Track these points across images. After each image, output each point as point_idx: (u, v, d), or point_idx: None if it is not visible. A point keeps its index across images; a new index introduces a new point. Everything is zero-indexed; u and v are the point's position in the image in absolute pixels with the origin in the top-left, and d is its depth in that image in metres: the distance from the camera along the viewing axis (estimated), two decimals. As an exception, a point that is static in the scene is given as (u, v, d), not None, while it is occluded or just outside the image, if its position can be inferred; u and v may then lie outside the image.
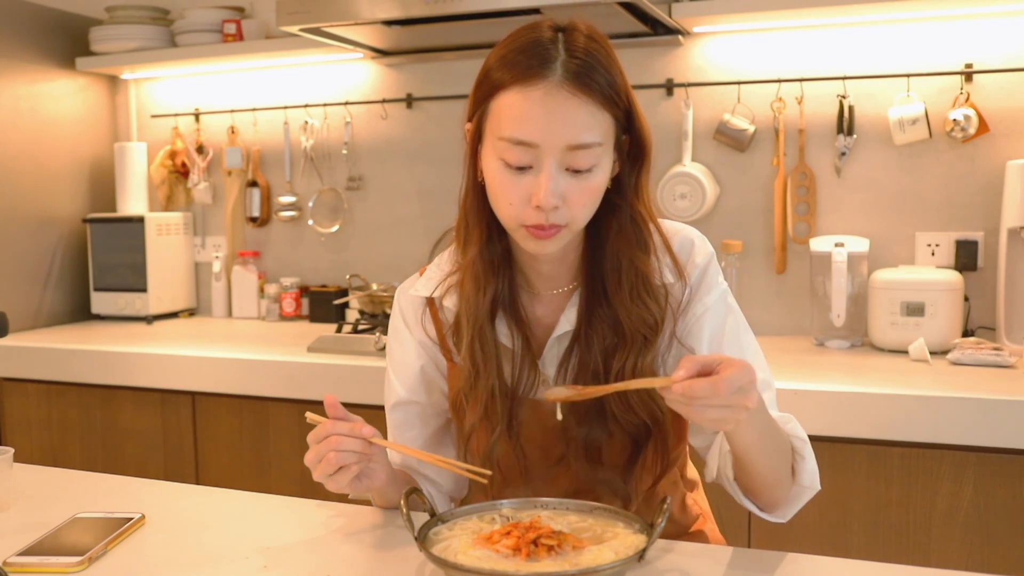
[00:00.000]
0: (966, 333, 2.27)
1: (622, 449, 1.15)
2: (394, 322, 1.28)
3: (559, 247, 1.11)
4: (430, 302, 1.24)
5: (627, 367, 1.12)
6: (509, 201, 1.07)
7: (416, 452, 1.16)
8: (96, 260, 3.00)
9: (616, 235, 1.13)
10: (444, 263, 1.24)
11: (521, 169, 1.05)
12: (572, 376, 1.16)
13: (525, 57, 1.04)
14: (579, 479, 1.17)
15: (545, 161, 1.04)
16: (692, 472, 1.37)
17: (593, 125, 1.04)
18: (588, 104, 1.03)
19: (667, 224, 1.20)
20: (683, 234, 1.20)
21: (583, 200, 1.07)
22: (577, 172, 1.05)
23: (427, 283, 1.24)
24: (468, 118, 1.13)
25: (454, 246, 1.22)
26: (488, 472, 1.10)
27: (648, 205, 1.15)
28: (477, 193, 1.14)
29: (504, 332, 1.17)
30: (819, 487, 1.12)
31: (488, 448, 1.16)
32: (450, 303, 1.21)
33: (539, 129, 1.03)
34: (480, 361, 1.15)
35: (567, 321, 1.17)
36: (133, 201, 3.07)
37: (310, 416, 1.10)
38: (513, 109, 1.04)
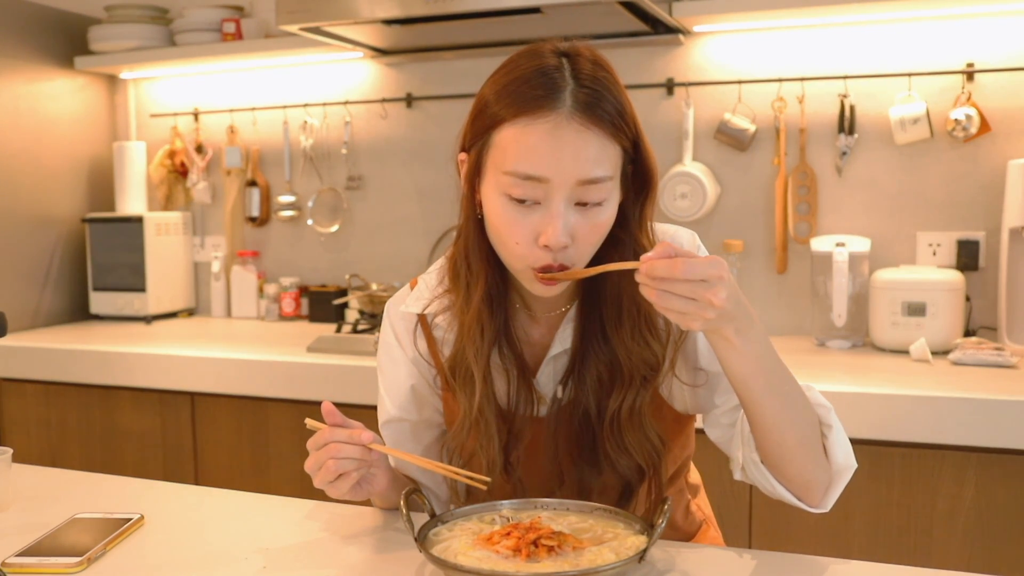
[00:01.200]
0: (967, 333, 2.27)
1: (613, 492, 1.13)
2: (385, 337, 1.23)
3: (562, 288, 1.07)
4: (422, 318, 1.19)
5: (624, 408, 1.08)
6: (516, 240, 1.01)
7: (416, 459, 1.14)
8: (95, 260, 2.99)
9: (618, 272, 1.05)
10: (433, 280, 1.19)
11: (526, 204, 1.00)
12: (565, 404, 1.12)
13: (530, 87, 0.98)
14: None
15: (555, 197, 0.99)
16: (695, 477, 1.37)
17: (603, 158, 0.99)
18: (599, 136, 0.98)
19: (657, 227, 1.15)
20: (672, 237, 1.15)
21: (592, 238, 1.02)
22: (586, 207, 1.00)
23: (418, 300, 1.19)
24: (462, 148, 1.07)
25: (442, 262, 1.18)
26: (488, 479, 1.08)
27: (652, 238, 1.10)
28: (477, 228, 1.08)
29: (500, 357, 1.12)
30: (855, 464, 1.05)
31: (487, 490, 1.13)
32: (442, 321, 1.17)
33: (549, 164, 0.97)
34: (486, 407, 1.11)
35: (561, 341, 1.13)
36: (132, 201, 3.06)
37: (309, 422, 1.09)
38: (519, 143, 0.98)
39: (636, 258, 1.05)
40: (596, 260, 1.06)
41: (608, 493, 1.12)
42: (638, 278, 0.91)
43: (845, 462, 1.04)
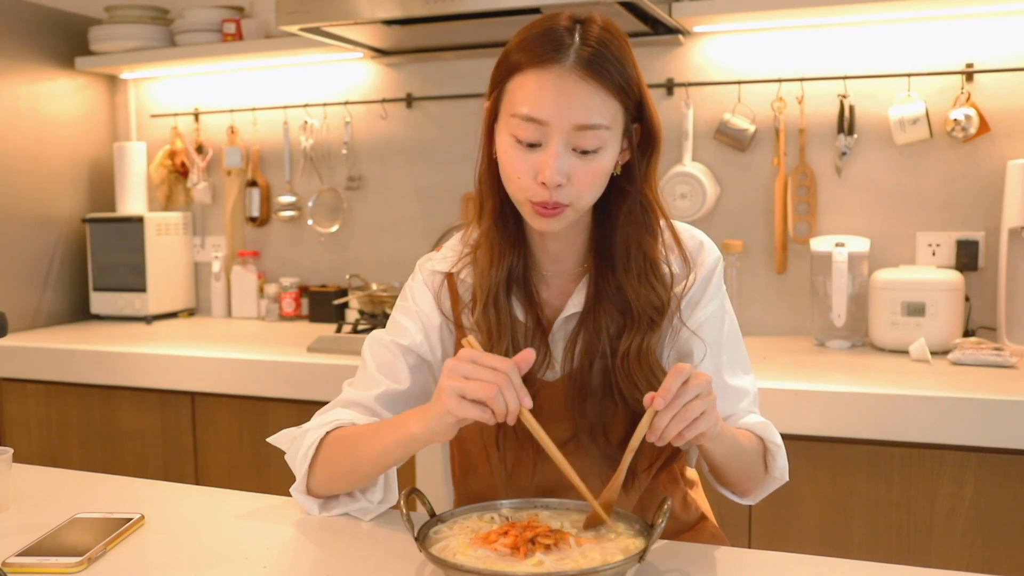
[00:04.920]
0: (967, 333, 2.27)
1: (624, 424, 1.18)
2: (413, 284, 1.28)
3: (563, 225, 1.14)
4: (449, 278, 1.26)
5: (633, 347, 1.15)
6: (517, 175, 1.11)
7: (554, 448, 1.04)
8: (95, 260, 3.00)
9: (626, 219, 1.17)
10: (459, 243, 1.27)
11: (531, 146, 1.10)
12: (579, 357, 1.18)
13: (541, 42, 1.09)
14: (588, 456, 1.18)
15: (553, 139, 1.08)
16: (692, 472, 1.38)
17: (601, 109, 1.08)
18: (598, 90, 1.08)
19: (676, 225, 1.24)
20: (692, 234, 1.25)
21: (588, 180, 1.11)
22: (584, 153, 1.09)
23: (444, 260, 1.27)
24: (487, 97, 1.18)
25: (469, 228, 1.26)
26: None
27: (656, 192, 1.19)
28: (491, 168, 1.18)
29: (518, 308, 1.20)
30: (787, 479, 1.24)
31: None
32: (468, 278, 1.24)
33: (549, 108, 1.07)
34: (495, 329, 1.17)
35: (574, 304, 1.20)
36: (132, 201, 3.06)
37: (470, 341, 1.04)
38: (527, 89, 1.09)
39: (642, 208, 1.18)
40: (604, 210, 1.18)
41: (620, 428, 1.18)
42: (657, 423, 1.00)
43: (780, 477, 1.23)
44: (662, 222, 1.20)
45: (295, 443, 1.21)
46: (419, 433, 1.05)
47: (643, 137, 1.16)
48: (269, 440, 1.27)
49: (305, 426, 1.22)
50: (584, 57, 1.07)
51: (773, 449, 1.21)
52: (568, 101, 1.07)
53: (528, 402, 1.01)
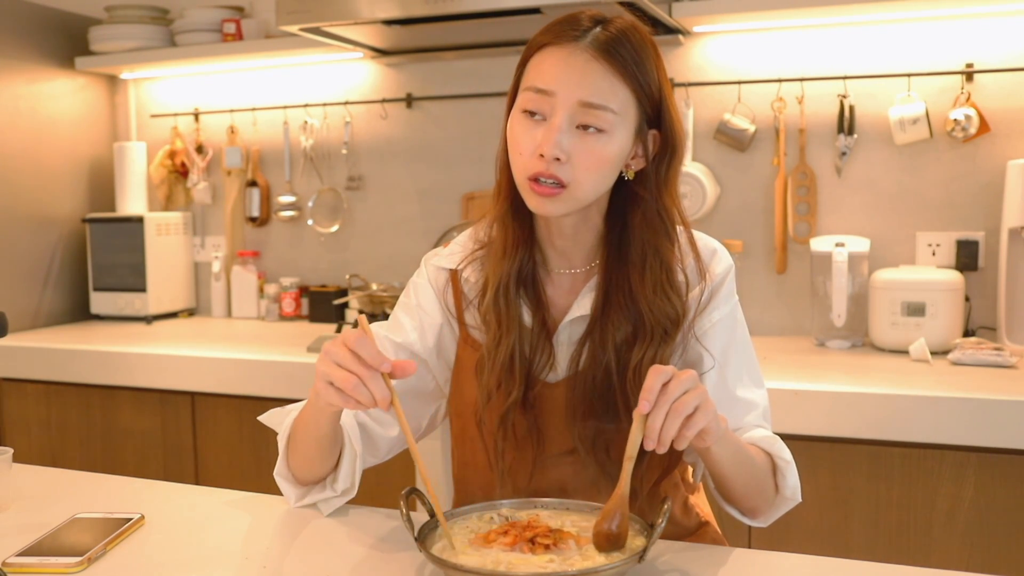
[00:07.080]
0: (967, 333, 2.27)
1: (626, 438, 1.15)
2: (418, 281, 1.28)
3: (562, 212, 1.12)
4: (453, 275, 1.26)
5: (645, 360, 1.13)
6: (520, 151, 1.11)
7: (414, 446, 1.04)
8: (95, 260, 3.00)
9: (641, 226, 1.15)
10: (467, 240, 1.27)
11: (536, 117, 1.10)
12: (583, 364, 1.16)
13: (561, 26, 1.12)
14: (585, 468, 1.17)
15: (557, 111, 1.09)
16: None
17: (609, 91, 1.08)
18: (608, 72, 1.08)
19: (701, 238, 1.23)
20: (706, 242, 1.23)
21: (588, 163, 1.09)
22: (587, 130, 1.09)
23: (451, 257, 1.26)
24: (511, 87, 1.18)
25: (478, 225, 1.25)
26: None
27: (676, 198, 1.18)
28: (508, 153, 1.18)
29: (524, 305, 1.19)
30: (800, 499, 1.19)
31: (504, 412, 1.16)
32: (472, 276, 1.23)
33: (556, 78, 1.09)
34: (504, 321, 1.17)
35: (580, 306, 1.18)
36: (132, 201, 3.06)
37: (362, 320, 1.03)
38: (542, 64, 1.11)
39: (659, 216, 1.16)
40: (618, 215, 1.17)
41: (621, 443, 1.15)
42: (649, 418, 0.96)
43: (791, 497, 1.18)
44: (679, 228, 1.18)
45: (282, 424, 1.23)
46: (315, 402, 1.07)
47: (663, 144, 1.15)
48: (259, 418, 1.26)
49: (290, 407, 1.23)
50: (600, 40, 1.09)
51: (782, 466, 1.16)
52: (576, 75, 1.08)
53: (389, 399, 0.99)
